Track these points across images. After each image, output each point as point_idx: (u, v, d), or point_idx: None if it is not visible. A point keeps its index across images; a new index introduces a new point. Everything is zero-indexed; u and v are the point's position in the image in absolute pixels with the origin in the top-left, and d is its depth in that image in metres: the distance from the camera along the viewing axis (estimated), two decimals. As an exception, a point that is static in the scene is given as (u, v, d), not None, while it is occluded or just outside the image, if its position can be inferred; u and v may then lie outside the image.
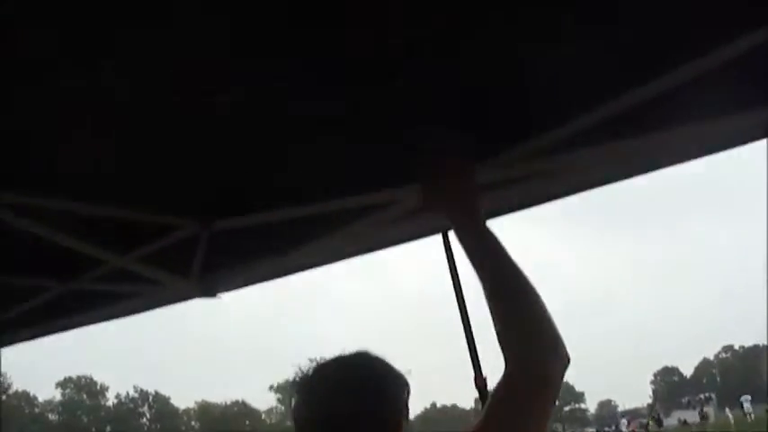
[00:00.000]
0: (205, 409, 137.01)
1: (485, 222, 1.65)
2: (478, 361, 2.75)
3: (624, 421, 61.68)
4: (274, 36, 1.95)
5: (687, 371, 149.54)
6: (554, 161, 2.50)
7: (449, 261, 2.93)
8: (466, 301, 3.02)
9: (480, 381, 2.71)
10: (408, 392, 1.56)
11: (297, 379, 1.54)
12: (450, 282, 2.96)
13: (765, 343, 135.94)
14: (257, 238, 3.18)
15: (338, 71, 2.13)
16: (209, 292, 3.67)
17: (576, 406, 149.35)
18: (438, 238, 2.98)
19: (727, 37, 1.99)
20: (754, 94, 2.25)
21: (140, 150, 2.63)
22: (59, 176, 2.77)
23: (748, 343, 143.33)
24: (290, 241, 3.26)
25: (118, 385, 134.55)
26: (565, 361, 1.51)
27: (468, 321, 2.92)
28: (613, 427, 55.61)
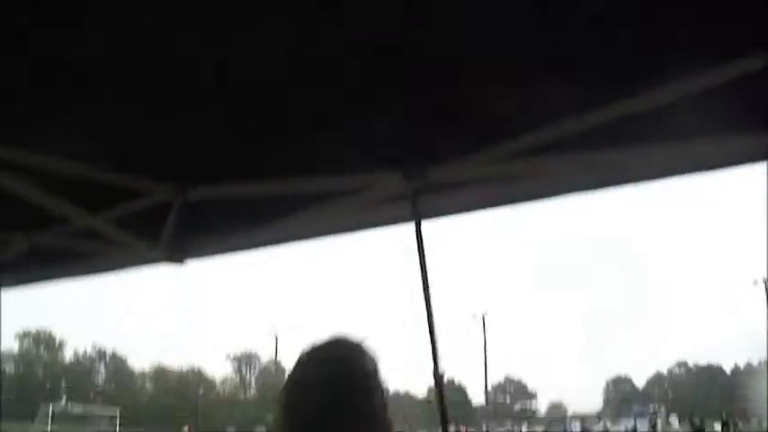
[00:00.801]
0: (161, 373, 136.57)
1: None
2: (437, 352, 2.78)
3: (577, 425, 62.49)
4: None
5: (639, 382, 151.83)
6: (516, 165, 2.56)
7: (419, 250, 2.94)
8: (431, 291, 3.02)
9: (438, 373, 2.75)
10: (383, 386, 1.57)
11: (285, 385, 1.53)
12: (418, 271, 2.97)
13: (719, 363, 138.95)
14: (230, 209, 3.21)
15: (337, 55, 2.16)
16: (177, 258, 3.68)
17: (528, 404, 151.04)
18: (409, 227, 2.99)
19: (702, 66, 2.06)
20: (730, 122, 2.31)
21: (121, 114, 2.64)
22: (33, 132, 2.77)
23: (702, 362, 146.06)
24: (263, 216, 3.28)
25: (76, 341, 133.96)
26: None
27: (431, 311, 2.93)
28: (563, 429, 56.46)
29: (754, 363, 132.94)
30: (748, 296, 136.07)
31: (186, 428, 74.16)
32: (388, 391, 1.58)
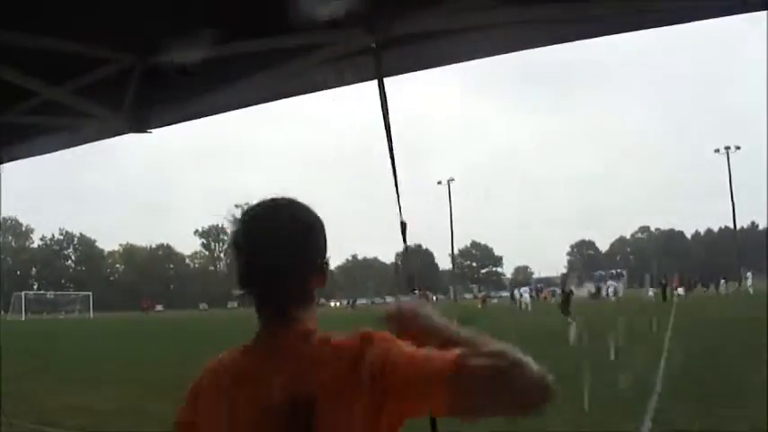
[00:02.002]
0: (130, 252, 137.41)
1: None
2: (401, 208, 2.85)
3: (526, 289, 64.12)
4: None
5: (603, 246, 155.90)
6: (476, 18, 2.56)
7: (383, 109, 2.92)
8: (394, 150, 3.03)
9: (403, 225, 2.81)
10: (326, 238, 1.70)
11: (234, 226, 1.65)
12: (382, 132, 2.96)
13: (680, 228, 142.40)
14: (190, 74, 3.20)
15: None
16: (140, 127, 3.71)
17: (494, 269, 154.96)
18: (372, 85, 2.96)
19: None
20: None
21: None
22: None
23: (664, 227, 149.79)
24: (227, 78, 3.31)
25: (43, 227, 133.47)
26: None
27: (396, 170, 2.96)
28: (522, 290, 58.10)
29: (715, 229, 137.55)
30: (710, 164, 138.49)
31: (144, 301, 74.91)
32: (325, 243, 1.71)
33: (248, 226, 1.64)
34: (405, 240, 2.95)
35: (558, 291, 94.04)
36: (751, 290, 55.71)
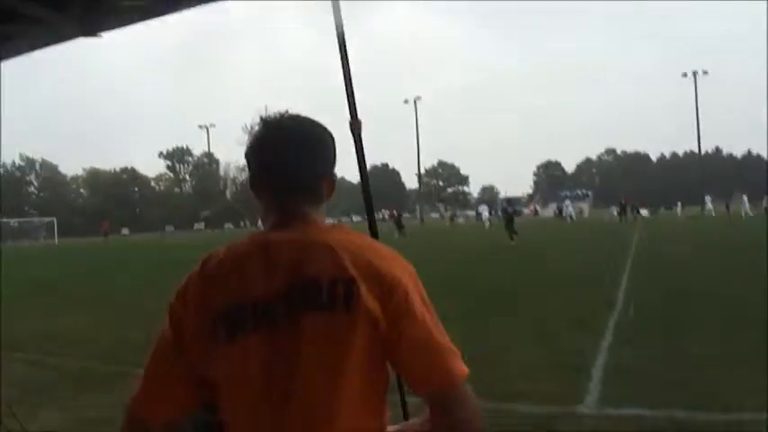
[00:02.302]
0: (94, 177, 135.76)
1: None
2: (355, 107, 2.81)
3: (485, 207, 64.90)
4: None
5: (569, 167, 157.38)
6: None
7: (337, 29, 2.85)
8: (350, 62, 2.97)
9: (355, 124, 2.78)
10: (335, 151, 1.80)
11: (250, 135, 1.74)
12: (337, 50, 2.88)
13: (646, 151, 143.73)
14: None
15: None
16: (91, 30, 3.58)
17: (460, 188, 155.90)
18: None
19: None
20: None
21: None
22: None
23: (630, 149, 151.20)
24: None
25: (3, 153, 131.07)
26: None
27: (350, 80, 2.91)
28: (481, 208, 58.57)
29: (680, 153, 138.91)
30: (679, 88, 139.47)
31: (103, 225, 74.55)
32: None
33: (269, 131, 1.73)
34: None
35: (527, 211, 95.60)
36: (713, 213, 57.11)
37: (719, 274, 14.56)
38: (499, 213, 61.46)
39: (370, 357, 1.56)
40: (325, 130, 1.77)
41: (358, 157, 2.83)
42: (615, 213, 59.20)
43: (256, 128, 1.74)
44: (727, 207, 61.41)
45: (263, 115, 1.75)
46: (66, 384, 7.59)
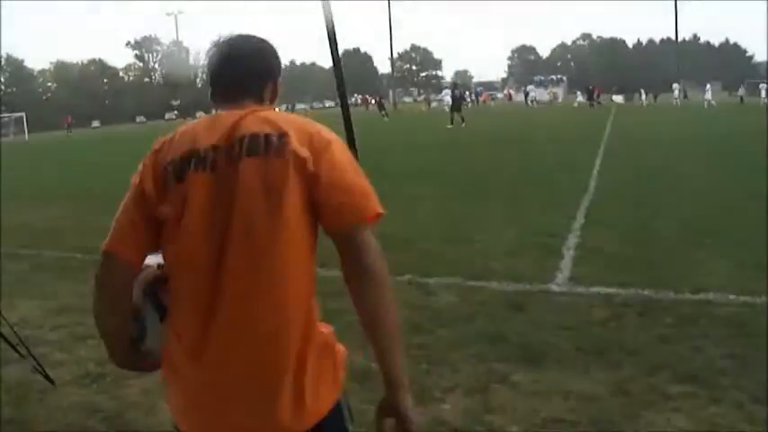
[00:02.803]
0: (62, 69, 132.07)
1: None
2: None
3: (447, 92, 63.94)
4: None
5: (544, 52, 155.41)
6: None
7: None
8: None
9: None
10: (280, 62, 2.10)
11: (212, 45, 2.04)
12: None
13: (623, 37, 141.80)
14: None
15: None
16: None
17: (433, 72, 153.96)
18: None
19: None
20: None
21: None
22: None
23: (606, 35, 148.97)
24: None
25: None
26: None
27: None
28: (463, 94, 57.37)
29: (657, 41, 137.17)
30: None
31: (65, 119, 73.20)
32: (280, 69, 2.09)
33: (219, 49, 2.01)
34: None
35: (501, 95, 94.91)
36: (678, 102, 55.96)
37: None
38: (472, 98, 60.84)
39: (302, 201, 1.77)
40: (266, 43, 2.07)
41: (330, 41, 2.75)
42: (584, 100, 58.35)
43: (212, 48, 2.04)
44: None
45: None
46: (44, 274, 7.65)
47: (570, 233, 7.92)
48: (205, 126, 1.92)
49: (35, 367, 4.19)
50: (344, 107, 2.88)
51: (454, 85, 41.25)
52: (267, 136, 1.80)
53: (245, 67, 1.99)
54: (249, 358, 1.76)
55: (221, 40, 2.03)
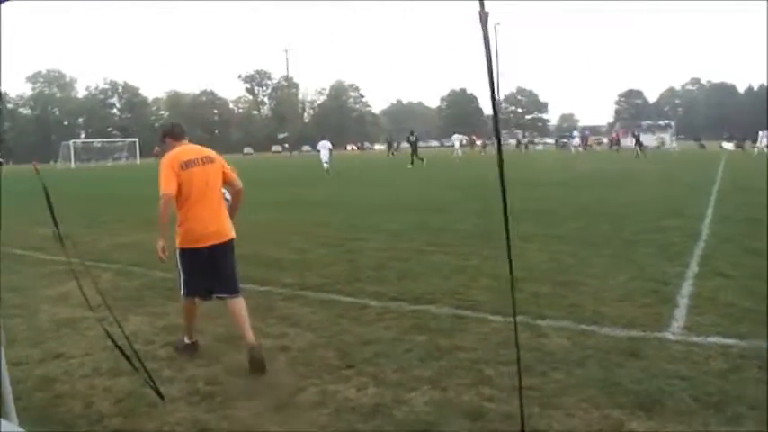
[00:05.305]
0: (174, 99, 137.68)
1: None
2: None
3: (576, 133, 62.29)
4: None
5: (652, 97, 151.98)
6: None
7: None
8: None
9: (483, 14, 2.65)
10: None
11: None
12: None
13: (733, 83, 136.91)
14: None
15: None
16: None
17: (539, 116, 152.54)
18: None
19: None
20: None
21: None
22: None
23: (716, 80, 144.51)
24: None
25: (87, 77, 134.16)
26: None
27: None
28: (569, 139, 55.70)
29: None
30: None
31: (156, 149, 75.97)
32: None
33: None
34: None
35: (605, 140, 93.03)
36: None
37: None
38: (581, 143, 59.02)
39: (221, 180, 5.58)
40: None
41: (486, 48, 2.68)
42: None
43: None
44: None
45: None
46: (153, 293, 7.92)
47: (684, 281, 7.60)
48: (192, 150, 5.56)
49: (146, 380, 4.24)
50: (499, 146, 2.82)
51: (411, 132, 43.17)
52: (212, 157, 5.58)
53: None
54: (213, 211, 5.48)
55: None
